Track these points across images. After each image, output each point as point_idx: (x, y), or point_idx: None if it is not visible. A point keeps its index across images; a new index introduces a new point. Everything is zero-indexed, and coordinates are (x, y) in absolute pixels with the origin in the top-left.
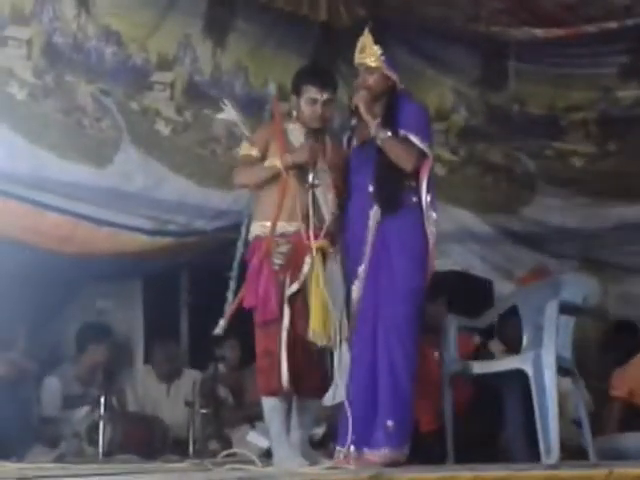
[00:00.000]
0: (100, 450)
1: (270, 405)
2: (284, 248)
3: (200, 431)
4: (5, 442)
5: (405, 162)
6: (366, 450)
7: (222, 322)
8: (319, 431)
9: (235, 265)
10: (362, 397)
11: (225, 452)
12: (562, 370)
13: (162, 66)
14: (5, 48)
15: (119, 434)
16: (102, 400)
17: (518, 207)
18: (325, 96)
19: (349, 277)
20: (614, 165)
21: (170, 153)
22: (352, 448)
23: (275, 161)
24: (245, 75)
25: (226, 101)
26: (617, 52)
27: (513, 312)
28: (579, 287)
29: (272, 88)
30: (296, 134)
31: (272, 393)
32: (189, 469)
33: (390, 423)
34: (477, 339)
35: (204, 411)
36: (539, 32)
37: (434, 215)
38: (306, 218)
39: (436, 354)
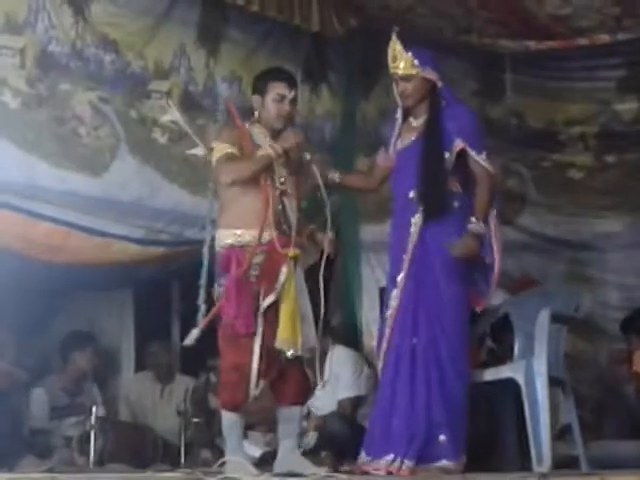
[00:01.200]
0: (91, 460)
1: (231, 420)
2: (258, 258)
3: (192, 440)
4: None
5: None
6: (407, 462)
7: (195, 332)
8: (310, 440)
9: (204, 273)
10: (399, 408)
11: (220, 461)
12: (553, 379)
13: (159, 75)
14: None
15: (110, 443)
16: (93, 409)
17: (511, 218)
18: (292, 94)
19: (388, 284)
20: (611, 178)
21: (166, 162)
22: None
23: (266, 150)
24: (238, 85)
25: (170, 102)
26: (613, 66)
27: (505, 321)
28: (571, 297)
29: (222, 89)
30: (260, 137)
31: (235, 408)
32: (181, 478)
33: (442, 438)
34: (489, 343)
35: (196, 420)
36: (531, 44)
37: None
38: (278, 225)
39: None
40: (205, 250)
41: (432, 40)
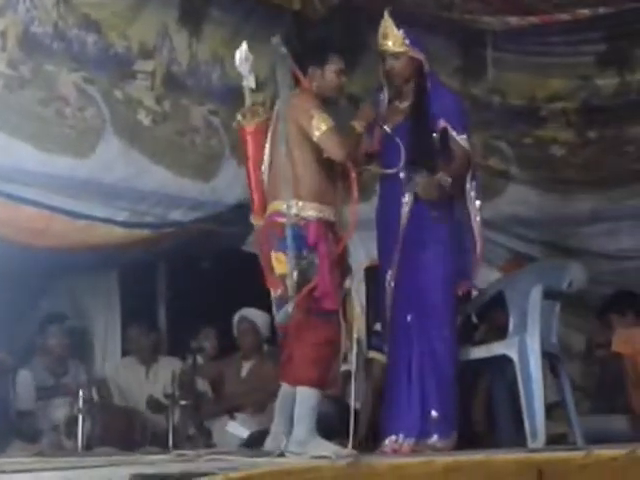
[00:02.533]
0: (79, 443)
1: (315, 399)
2: (331, 236)
3: (180, 423)
4: None
5: (466, 171)
6: (407, 440)
7: (290, 307)
8: None
9: (291, 244)
10: (403, 386)
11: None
12: (547, 354)
13: (143, 55)
14: None
15: (98, 427)
16: (80, 393)
17: (494, 195)
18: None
19: (383, 265)
20: (593, 154)
21: (150, 143)
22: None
23: (359, 128)
24: (221, 65)
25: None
26: (594, 40)
27: (497, 299)
28: (564, 272)
29: (281, 48)
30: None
31: (323, 386)
32: (169, 460)
33: (435, 414)
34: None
35: (184, 403)
36: (513, 20)
37: (478, 203)
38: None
39: None
40: (289, 221)
41: (414, 17)
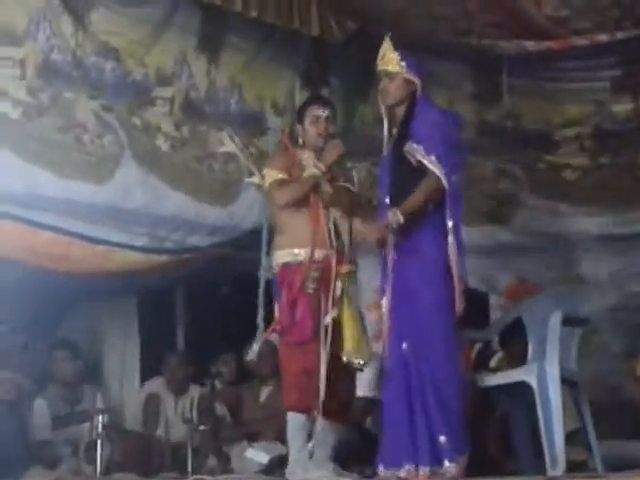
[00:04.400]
0: (98, 469)
1: (299, 422)
2: (315, 274)
3: (199, 448)
4: (1, 462)
5: (434, 196)
6: (421, 467)
7: (255, 347)
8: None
9: (261, 292)
10: (402, 414)
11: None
12: (566, 381)
13: (162, 82)
14: None
15: (117, 452)
16: (99, 418)
17: (506, 219)
18: (327, 112)
19: (380, 292)
20: (605, 178)
21: (169, 169)
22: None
23: (312, 170)
24: (239, 91)
25: (226, 133)
26: (609, 66)
27: (518, 324)
28: (582, 298)
29: (276, 121)
30: (308, 160)
31: (305, 410)
32: None
33: (443, 439)
34: (478, 346)
35: (203, 428)
36: (530, 45)
37: (450, 224)
38: (331, 242)
39: None
40: (261, 272)
41: (430, 43)
